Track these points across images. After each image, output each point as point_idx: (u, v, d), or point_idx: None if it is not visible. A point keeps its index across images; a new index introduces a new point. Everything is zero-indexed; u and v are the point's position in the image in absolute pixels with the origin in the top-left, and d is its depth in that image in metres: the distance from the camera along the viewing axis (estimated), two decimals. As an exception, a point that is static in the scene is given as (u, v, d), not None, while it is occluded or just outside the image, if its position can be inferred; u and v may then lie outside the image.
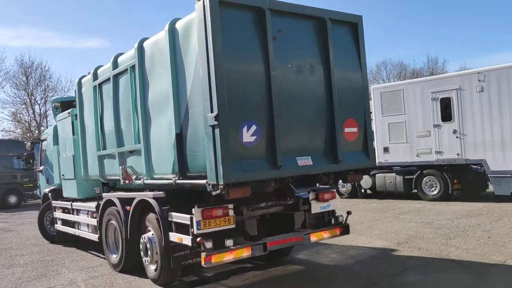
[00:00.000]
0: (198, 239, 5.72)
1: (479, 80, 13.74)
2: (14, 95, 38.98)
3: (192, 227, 5.86)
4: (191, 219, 5.87)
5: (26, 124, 41.40)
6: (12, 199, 25.08)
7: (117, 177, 7.99)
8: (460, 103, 14.14)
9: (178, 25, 6.05)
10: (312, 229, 6.82)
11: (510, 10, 61.70)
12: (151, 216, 6.83)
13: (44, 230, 11.88)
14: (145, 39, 6.95)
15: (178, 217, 6.19)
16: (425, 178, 15.16)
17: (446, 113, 14.50)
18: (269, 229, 6.76)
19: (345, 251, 8.33)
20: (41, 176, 12.90)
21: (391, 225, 10.75)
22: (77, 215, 9.79)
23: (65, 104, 11.51)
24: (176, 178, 6.17)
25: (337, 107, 6.23)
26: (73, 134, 9.76)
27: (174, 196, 6.66)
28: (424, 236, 9.27)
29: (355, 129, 6.51)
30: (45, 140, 12.42)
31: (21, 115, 40.63)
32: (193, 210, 5.85)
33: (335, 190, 7.29)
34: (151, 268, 6.94)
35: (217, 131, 5.21)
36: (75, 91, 10.96)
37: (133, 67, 7.11)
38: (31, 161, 13.32)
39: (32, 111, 40.25)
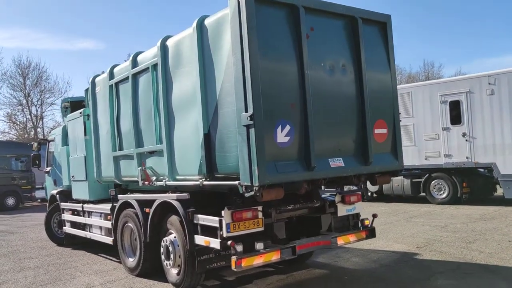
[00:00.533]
0: (229, 242, 5.55)
1: (489, 83, 13.69)
2: (10, 96, 38.64)
3: (221, 229, 5.69)
4: (220, 221, 5.70)
5: (22, 126, 40.99)
6: (10, 201, 24.76)
7: (134, 179, 7.81)
8: (470, 106, 14.07)
9: (207, 22, 5.89)
10: (339, 233, 6.67)
11: (503, 15, 62.14)
12: (174, 219, 6.65)
13: (51, 233, 11.65)
14: (168, 36, 6.78)
15: (205, 219, 6.02)
16: (433, 182, 15.08)
17: (455, 116, 14.44)
18: (294, 232, 6.58)
19: (365, 255, 8.18)
20: (47, 177, 12.66)
21: (406, 229, 10.63)
22: (89, 217, 9.58)
23: (75, 104, 11.34)
24: (203, 179, 5.99)
25: (368, 107, 6.10)
26: (85, 134, 9.55)
27: (197, 198, 6.48)
28: (442, 240, 9.14)
29: (384, 130, 6.38)
30: (52, 140, 12.19)
31: (16, 116, 40.24)
32: (222, 212, 5.68)
33: (360, 193, 7.15)
34: (173, 272, 6.76)
35: (252, 131, 5.06)
36: (85, 90, 10.81)
37: (155, 65, 6.93)
38: (37, 162, 13.07)
39: (28, 112, 39.86)
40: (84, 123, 9.56)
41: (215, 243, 5.83)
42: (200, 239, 6.12)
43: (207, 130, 5.90)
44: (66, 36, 60.22)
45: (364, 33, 6.16)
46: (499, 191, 15.30)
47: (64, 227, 10.91)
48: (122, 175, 8.25)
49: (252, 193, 5.17)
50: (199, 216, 6.14)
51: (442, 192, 14.90)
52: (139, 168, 7.40)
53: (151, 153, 7.23)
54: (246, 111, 5.10)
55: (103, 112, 8.75)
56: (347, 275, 6.99)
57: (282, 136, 5.30)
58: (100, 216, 9.07)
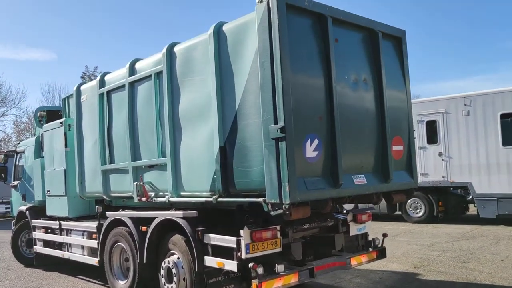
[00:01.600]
0: (251, 264, 5.14)
1: (465, 104, 14.01)
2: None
3: (239, 250, 5.28)
4: (238, 241, 5.29)
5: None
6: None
7: (127, 194, 7.28)
8: (446, 126, 14.34)
9: (226, 28, 5.55)
10: (352, 253, 6.40)
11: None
12: (177, 238, 6.16)
13: (18, 252, 10.75)
14: (175, 43, 6.38)
15: (219, 239, 5.59)
16: (409, 200, 15.17)
17: (432, 136, 14.67)
18: (305, 253, 6.25)
19: (365, 275, 7.95)
20: (14, 192, 11.72)
21: (394, 248, 10.50)
22: (67, 235, 8.84)
23: (51, 114, 10.59)
24: (217, 196, 5.57)
25: (388, 123, 5.92)
26: (66, 146, 8.87)
27: (203, 216, 6.05)
28: (436, 259, 9.07)
29: (401, 147, 6.22)
30: (22, 152, 11.32)
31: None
32: (241, 231, 5.28)
33: (370, 211, 6.93)
34: (174, 296, 6.24)
35: (282, 144, 4.73)
36: (63, 99, 10.20)
37: (158, 73, 6.50)
38: (2, 175, 12.08)
39: (-22, 123, 37.58)
40: (65, 133, 8.89)
41: (230, 265, 5.41)
42: (211, 261, 5.68)
43: (223, 143, 5.51)
44: (12, 45, 57.36)
45: (383, 47, 6.02)
46: (471, 210, 15.64)
47: (34, 247, 10.05)
48: (111, 190, 7.66)
49: (281, 211, 4.82)
50: (211, 235, 5.70)
51: (418, 210, 15.02)
52: (135, 183, 6.87)
53: (151, 167, 6.73)
54: (276, 123, 4.78)
55: (89, 123, 8.16)
56: (357, 298, 6.71)
57: (311, 150, 5.01)
58: (83, 234, 8.37)
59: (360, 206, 8.66)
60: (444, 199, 14.86)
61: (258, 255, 5.35)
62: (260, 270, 5.16)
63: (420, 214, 14.95)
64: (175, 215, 6.16)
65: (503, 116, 13.40)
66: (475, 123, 13.83)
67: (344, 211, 6.74)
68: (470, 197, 14.09)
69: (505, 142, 13.33)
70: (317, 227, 6.15)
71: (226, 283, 5.95)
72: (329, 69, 5.25)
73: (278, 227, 5.52)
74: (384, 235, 6.81)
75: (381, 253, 6.72)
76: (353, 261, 6.31)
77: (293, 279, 5.48)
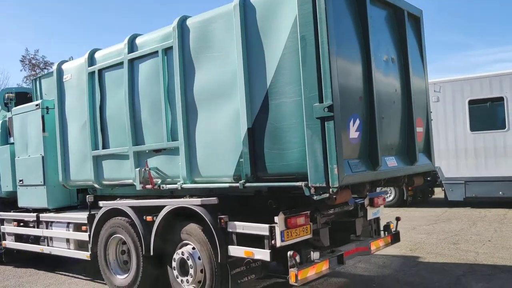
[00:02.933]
0: (291, 252, 4.85)
1: (434, 91, 14.31)
2: None
3: (272, 238, 4.95)
4: (271, 229, 4.96)
5: None
6: None
7: (126, 181, 6.72)
8: (416, 112, 14.59)
9: (255, 0, 5.13)
10: (371, 238, 6.26)
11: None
12: (193, 227, 5.73)
13: (-17, 249, 9.75)
14: (187, 16, 5.88)
15: (247, 227, 5.22)
16: (380, 185, 15.38)
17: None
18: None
19: (367, 260, 7.85)
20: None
21: (380, 232, 10.55)
22: (47, 228, 8.09)
23: (19, 96, 9.65)
24: (244, 181, 5.19)
25: (414, 103, 5.78)
26: (43, 130, 8.09)
27: (224, 203, 5.67)
28: (426, 242, 9.18)
29: (421, 129, 6.11)
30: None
31: None
32: (275, 218, 4.96)
33: (384, 195, 6.81)
34: (189, 290, 5.82)
35: (329, 124, 4.43)
36: (33, 80, 9.40)
37: (167, 49, 5.98)
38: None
39: None
40: (43, 117, 8.09)
41: (262, 254, 5.07)
42: (237, 250, 5.31)
43: (251, 124, 5.12)
44: None
45: (407, 26, 5.85)
46: (436, 194, 16.17)
47: (3, 242, 9.16)
48: (105, 178, 7.04)
49: (326, 195, 4.54)
50: (237, 223, 5.32)
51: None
52: (138, 169, 6.34)
53: (157, 151, 6.21)
54: (321, 101, 4.47)
55: (75, 104, 7.45)
56: (374, 283, 6.58)
57: (353, 131, 4.76)
58: (67, 226, 7.68)
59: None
60: (413, 183, 15.18)
61: (291, 242, 5.06)
62: (297, 258, 4.88)
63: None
64: (191, 202, 5.71)
65: (471, 102, 13.83)
66: (444, 109, 14.18)
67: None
68: (438, 181, 14.52)
69: (473, 128, 13.77)
70: (340, 212, 5.93)
71: (248, 273, 5.63)
72: (367, 47, 5.01)
73: (308, 212, 5.25)
74: (398, 219, 6.72)
75: (395, 238, 6.63)
76: (373, 246, 6.17)
77: (324, 266, 5.25)
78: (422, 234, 10.08)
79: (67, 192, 8.29)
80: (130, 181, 6.61)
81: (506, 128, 13.38)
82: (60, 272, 8.28)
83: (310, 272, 5.03)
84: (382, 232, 6.55)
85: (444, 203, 14.60)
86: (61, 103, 7.70)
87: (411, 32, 6.09)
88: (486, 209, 13.44)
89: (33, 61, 38.33)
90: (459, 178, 14.04)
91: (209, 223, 5.48)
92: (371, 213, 6.45)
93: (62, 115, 7.68)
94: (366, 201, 6.38)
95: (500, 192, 13.52)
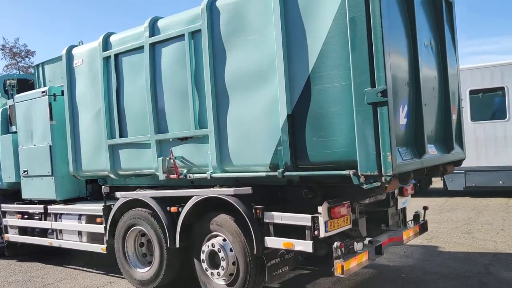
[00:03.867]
0: (337, 243, 4.68)
1: None
2: None
3: (315, 229, 4.77)
4: (314, 219, 4.78)
5: None
6: None
7: (146, 171, 6.46)
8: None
9: (296, -20, 4.89)
10: (403, 228, 6.14)
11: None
12: (224, 218, 5.51)
13: (-17, 242, 9.34)
14: (215, -2, 5.60)
15: (287, 217, 5.03)
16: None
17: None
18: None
19: (389, 250, 7.60)
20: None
21: (388, 222, 10.49)
22: (56, 220, 7.75)
23: (20, 83, 9.22)
24: (282, 170, 4.98)
25: (450, 90, 5.65)
26: (51, 118, 7.73)
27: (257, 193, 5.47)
28: (439, 231, 9.15)
29: (454, 117, 5.98)
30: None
31: None
32: (318, 208, 4.78)
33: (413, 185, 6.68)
34: (220, 283, 5.61)
35: (383, 109, 4.25)
36: (35, 66, 8.96)
37: (194, 32, 5.70)
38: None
39: None
40: (50, 104, 7.73)
41: (303, 246, 4.90)
42: (275, 242, 5.12)
43: (291, 111, 4.91)
44: None
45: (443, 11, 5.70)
46: (434, 184, 16.24)
47: (6, 235, 8.77)
48: (122, 167, 6.74)
49: (377, 184, 4.37)
50: (274, 213, 5.12)
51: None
52: (160, 158, 6.07)
53: (182, 140, 5.95)
54: (373, 86, 4.28)
55: (86, 91, 7.11)
56: (403, 273, 6.47)
57: (402, 117, 4.61)
58: (79, 219, 7.36)
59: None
60: (412, 173, 15.19)
61: (334, 233, 4.91)
62: (343, 250, 4.72)
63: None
64: (223, 192, 5.48)
65: (472, 92, 13.84)
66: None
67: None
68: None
69: (474, 118, 13.81)
70: (375, 201, 5.79)
71: (282, 264, 5.46)
72: (413, 30, 4.87)
73: (349, 202, 5.08)
74: (425, 208, 6.60)
75: (423, 227, 6.52)
76: (405, 236, 6.04)
77: (365, 257, 5.10)
78: (432, 223, 9.93)
79: (76, 183, 7.96)
80: (151, 171, 6.34)
81: (507, 118, 13.45)
82: (69, 266, 7.97)
83: (353, 263, 4.88)
84: (410, 222, 6.42)
85: (444, 192, 14.66)
86: (71, 89, 7.35)
87: (445, 17, 5.94)
88: (487, 199, 13.53)
89: (14, 50, 37.22)
90: (459, 168, 14.05)
91: (243, 213, 5.26)
92: (400, 203, 6.33)
93: (73, 103, 7.34)
94: (397, 190, 6.25)
95: (500, 182, 13.61)
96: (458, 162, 6.20)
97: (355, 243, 4.93)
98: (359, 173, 4.41)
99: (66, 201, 7.89)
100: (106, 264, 7.82)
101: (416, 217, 6.38)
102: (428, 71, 5.29)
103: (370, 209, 5.93)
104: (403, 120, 4.60)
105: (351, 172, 4.48)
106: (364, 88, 4.32)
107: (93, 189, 8.16)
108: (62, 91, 7.66)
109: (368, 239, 5.34)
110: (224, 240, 5.54)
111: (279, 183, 5.56)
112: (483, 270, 6.36)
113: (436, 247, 7.82)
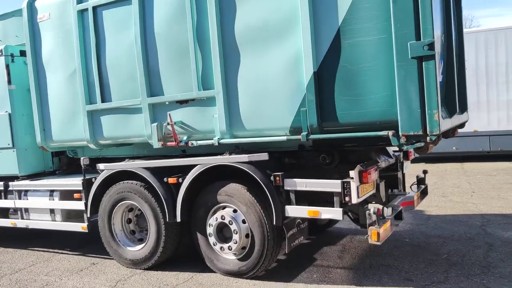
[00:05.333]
0: (373, 209, 4.41)
1: None
2: None
3: (346, 195, 4.46)
4: (344, 184, 4.46)
5: None
6: None
7: (135, 140, 5.83)
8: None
9: None
10: (412, 192, 6.00)
11: None
12: (235, 188, 5.06)
13: None
14: None
15: (312, 184, 4.66)
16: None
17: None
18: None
19: (410, 212, 7.54)
20: None
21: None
22: (20, 198, 6.85)
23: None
24: (306, 133, 4.59)
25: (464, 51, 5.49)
26: (9, 82, 6.75)
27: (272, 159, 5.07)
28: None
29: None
30: None
31: None
32: (351, 172, 4.45)
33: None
34: (230, 258, 5.19)
35: (429, 64, 3.97)
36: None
37: (196, -21, 5.06)
38: None
39: None
40: (7, 66, 6.73)
41: (332, 213, 4.58)
42: (298, 211, 4.77)
43: (317, 68, 4.49)
44: None
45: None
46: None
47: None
48: (105, 136, 6.01)
49: (421, 144, 4.11)
50: (297, 180, 4.74)
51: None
52: (155, 124, 5.45)
53: (182, 103, 5.35)
54: (418, 39, 3.97)
55: (57, 50, 6.22)
56: (406, 238, 6.37)
57: (439, 73, 4.34)
58: (51, 195, 6.53)
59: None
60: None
61: (363, 199, 4.63)
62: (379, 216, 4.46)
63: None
64: (235, 159, 5.00)
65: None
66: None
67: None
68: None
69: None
70: (387, 165, 5.58)
71: (299, 235, 5.14)
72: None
73: (376, 166, 4.82)
74: (425, 172, 6.50)
75: (424, 192, 6.41)
76: (415, 200, 5.89)
77: (388, 223, 4.87)
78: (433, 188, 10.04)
79: (41, 156, 7.09)
80: (141, 138, 5.70)
81: None
82: (37, 249, 7.13)
83: (385, 230, 4.65)
84: (414, 186, 6.29)
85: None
86: (35, 49, 6.41)
87: None
88: (444, 164, 13.98)
89: None
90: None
91: (260, 181, 4.84)
92: (404, 167, 6.19)
93: (38, 64, 6.41)
94: (401, 154, 6.09)
95: (454, 148, 14.13)
96: (462, 126, 6.11)
97: (384, 208, 4.68)
98: (400, 134, 4.12)
99: (30, 177, 7.01)
100: (77, 244, 7.12)
101: (421, 181, 6.25)
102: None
103: (381, 173, 5.73)
104: (439, 77, 4.35)
105: (390, 132, 4.18)
106: (408, 41, 3.99)
107: (61, 162, 7.32)
108: (22, 51, 6.70)
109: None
110: (235, 211, 5.10)
111: (291, 149, 5.20)
112: (481, 231, 6.42)
113: (422, 211, 7.85)
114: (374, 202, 5.56)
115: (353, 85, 4.36)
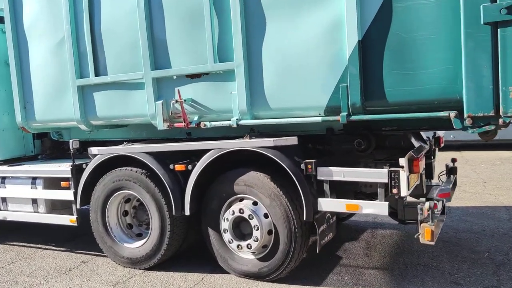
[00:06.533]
0: (429, 203, 3.76)
1: None
2: None
3: (394, 186, 3.80)
4: (392, 174, 3.80)
5: None
6: None
7: (132, 120, 5.07)
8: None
9: None
10: (446, 183, 5.39)
11: None
12: (255, 177, 4.35)
13: None
14: None
15: (352, 173, 3.99)
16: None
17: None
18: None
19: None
20: None
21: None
22: (-2, 187, 6.00)
23: None
24: (346, 113, 3.89)
25: None
26: (-18, 54, 5.85)
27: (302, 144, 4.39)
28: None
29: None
30: None
31: None
32: (401, 160, 3.79)
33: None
34: (247, 258, 4.50)
35: (507, 31, 3.30)
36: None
37: None
38: None
39: None
40: (-20, 36, 5.83)
41: (376, 208, 3.93)
42: (333, 204, 4.11)
43: (361, 36, 3.79)
44: None
45: None
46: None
47: None
48: (98, 115, 5.19)
49: (491, 127, 3.47)
50: (333, 169, 4.06)
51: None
52: (160, 102, 4.68)
53: (193, 77, 4.58)
54: (494, 0, 3.30)
55: (41, 15, 5.36)
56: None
57: (508, 46, 3.68)
58: (33, 183, 5.69)
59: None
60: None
61: (411, 191, 3.99)
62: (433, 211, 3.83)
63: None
64: (258, 143, 4.28)
65: None
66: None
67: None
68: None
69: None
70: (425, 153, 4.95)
71: (328, 231, 4.47)
72: None
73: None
74: (454, 160, 5.91)
75: (455, 182, 5.82)
76: (451, 191, 5.29)
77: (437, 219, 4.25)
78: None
79: (21, 138, 6.28)
80: (143, 119, 4.93)
81: None
82: (15, 243, 6.29)
83: (438, 227, 4.04)
84: (444, 176, 5.69)
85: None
86: (14, 13, 5.52)
87: None
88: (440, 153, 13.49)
89: None
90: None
91: (288, 170, 4.14)
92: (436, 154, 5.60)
93: (18, 31, 5.54)
94: (433, 140, 5.48)
95: (452, 136, 13.65)
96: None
97: (435, 202, 4.05)
98: (466, 115, 3.47)
99: (8, 162, 6.15)
100: (62, 238, 6.32)
101: (452, 170, 5.64)
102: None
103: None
104: (508, 50, 3.70)
105: (452, 113, 3.53)
106: (481, 3, 3.32)
107: (43, 145, 6.47)
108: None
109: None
110: (255, 203, 4.39)
111: (315, 132, 4.53)
112: (510, 225, 5.90)
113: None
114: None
115: (406, 58, 3.67)
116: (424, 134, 5.35)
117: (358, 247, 5.35)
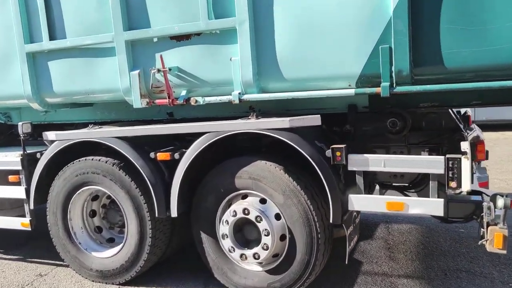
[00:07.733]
0: (505, 200, 2.90)
1: None
2: None
3: (452, 178, 2.93)
4: (450, 163, 2.91)
5: None
6: None
7: (100, 96, 3.97)
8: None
9: None
10: (482, 170, 4.59)
11: None
12: (264, 167, 3.38)
13: None
14: None
15: (396, 162, 3.07)
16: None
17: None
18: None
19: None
20: None
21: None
22: None
23: None
24: (389, 83, 2.97)
25: None
26: None
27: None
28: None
29: None
30: None
31: None
32: (462, 144, 2.91)
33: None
34: (253, 270, 3.55)
35: None
36: None
37: None
38: None
39: None
40: None
41: (428, 206, 3.05)
42: (372, 202, 3.21)
43: (412, -15, 2.85)
44: None
45: None
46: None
47: None
48: (55, 91, 4.07)
49: None
50: (370, 157, 3.13)
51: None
52: (137, 71, 3.63)
53: (180, 39, 3.53)
54: None
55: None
56: (460, 227, 5.00)
57: None
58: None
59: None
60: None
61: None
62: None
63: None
64: (268, 125, 3.29)
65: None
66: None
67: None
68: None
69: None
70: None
71: (354, 234, 3.57)
72: None
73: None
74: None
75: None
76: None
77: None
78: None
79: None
80: (113, 94, 3.87)
81: None
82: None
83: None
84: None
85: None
86: None
87: None
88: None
89: None
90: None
91: (309, 159, 3.19)
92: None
93: None
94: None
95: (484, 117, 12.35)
96: None
97: (499, 196, 3.19)
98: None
99: None
100: (11, 243, 5.21)
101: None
102: None
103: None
104: None
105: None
106: None
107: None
108: None
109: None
110: (263, 201, 3.43)
111: (333, 111, 3.61)
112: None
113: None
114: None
115: (472, 8, 2.77)
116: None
117: (377, 248, 4.49)
